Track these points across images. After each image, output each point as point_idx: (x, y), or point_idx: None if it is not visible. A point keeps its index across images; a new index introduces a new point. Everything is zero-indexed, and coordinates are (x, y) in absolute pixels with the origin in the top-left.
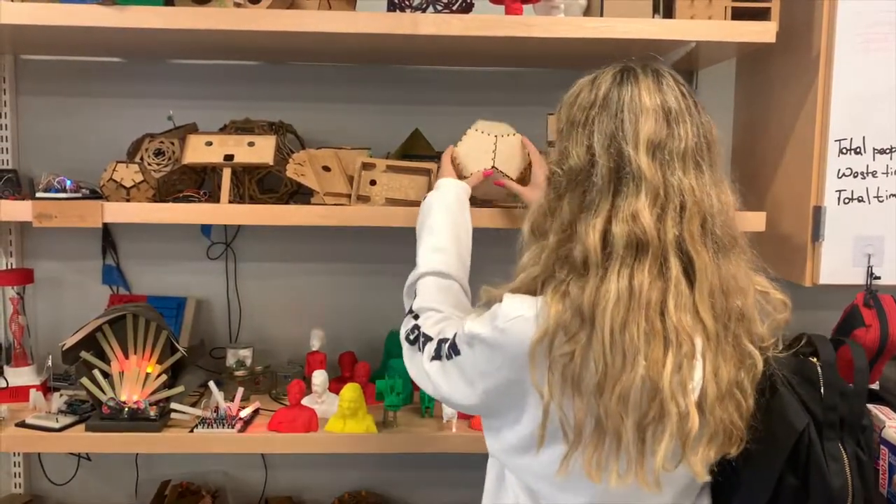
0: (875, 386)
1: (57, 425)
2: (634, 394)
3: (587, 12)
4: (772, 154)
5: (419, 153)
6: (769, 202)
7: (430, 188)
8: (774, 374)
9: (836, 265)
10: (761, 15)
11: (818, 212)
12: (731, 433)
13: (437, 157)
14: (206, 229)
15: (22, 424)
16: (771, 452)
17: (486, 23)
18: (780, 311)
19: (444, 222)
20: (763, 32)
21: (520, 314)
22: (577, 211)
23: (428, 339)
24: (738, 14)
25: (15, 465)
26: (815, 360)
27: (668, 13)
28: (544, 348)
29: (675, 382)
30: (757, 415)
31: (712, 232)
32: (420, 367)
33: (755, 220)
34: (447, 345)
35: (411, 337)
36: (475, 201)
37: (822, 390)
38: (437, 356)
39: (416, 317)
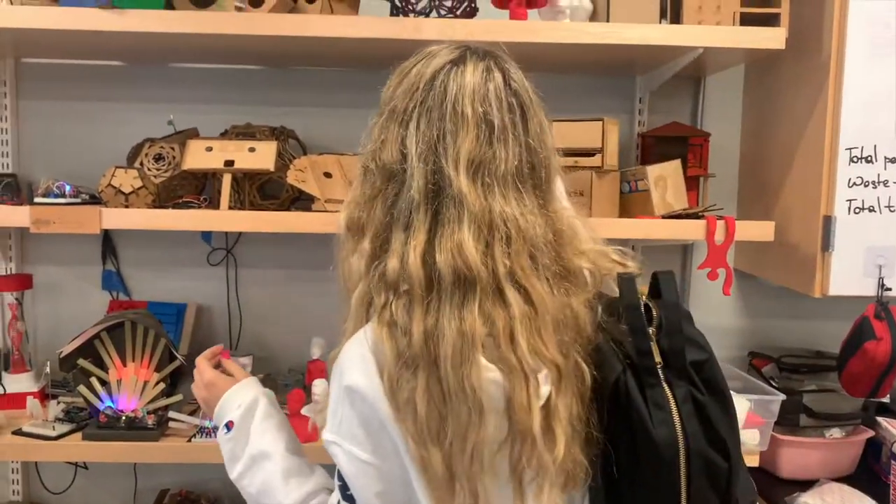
0: (885, 399)
1: (53, 433)
2: (491, 448)
3: (593, 17)
4: (781, 162)
5: None
6: (778, 211)
7: None
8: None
9: (847, 276)
10: (770, 20)
11: (828, 221)
12: (574, 473)
13: None
14: (206, 235)
15: (18, 432)
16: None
17: (490, 27)
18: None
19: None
20: (772, 39)
21: (360, 353)
22: (389, 219)
23: None
24: (747, 20)
25: (13, 472)
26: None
27: (676, 18)
28: (389, 392)
29: (543, 426)
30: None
31: (543, 264)
32: None
33: (763, 230)
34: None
35: None
36: None
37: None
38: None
39: None
